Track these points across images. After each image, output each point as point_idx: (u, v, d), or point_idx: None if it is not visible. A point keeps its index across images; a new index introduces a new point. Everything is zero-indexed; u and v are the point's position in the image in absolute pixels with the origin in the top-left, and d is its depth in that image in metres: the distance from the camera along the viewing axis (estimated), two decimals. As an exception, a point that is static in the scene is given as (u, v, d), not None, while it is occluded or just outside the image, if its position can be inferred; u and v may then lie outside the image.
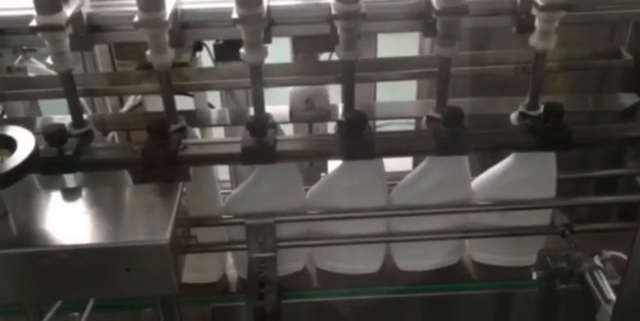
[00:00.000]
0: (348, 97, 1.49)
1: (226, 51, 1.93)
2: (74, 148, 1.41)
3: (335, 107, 1.59)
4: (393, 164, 1.67)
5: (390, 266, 1.72)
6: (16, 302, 1.39)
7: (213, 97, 2.36)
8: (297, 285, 1.69)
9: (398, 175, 1.64)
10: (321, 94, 1.59)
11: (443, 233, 1.63)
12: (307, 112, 1.60)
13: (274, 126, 1.48)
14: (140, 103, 2.28)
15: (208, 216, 1.57)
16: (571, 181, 1.69)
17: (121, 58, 2.15)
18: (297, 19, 1.45)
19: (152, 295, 1.31)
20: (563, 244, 1.56)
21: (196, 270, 1.60)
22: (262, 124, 1.43)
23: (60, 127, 1.40)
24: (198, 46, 2.15)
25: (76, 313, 1.44)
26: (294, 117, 1.60)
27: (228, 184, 2.19)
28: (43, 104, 1.81)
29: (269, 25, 1.40)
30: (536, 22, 1.39)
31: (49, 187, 1.48)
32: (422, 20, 1.45)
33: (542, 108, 1.48)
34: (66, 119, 1.51)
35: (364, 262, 1.70)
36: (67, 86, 1.43)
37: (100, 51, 2.12)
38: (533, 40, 1.42)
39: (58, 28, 1.31)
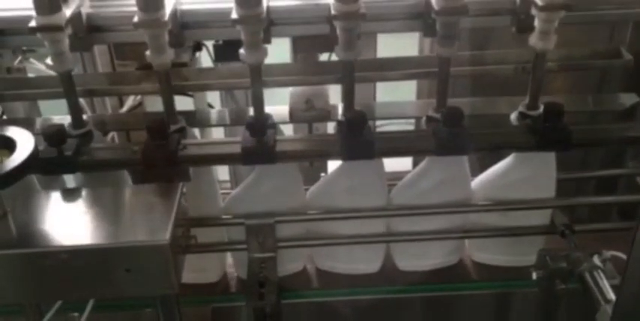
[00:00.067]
0: (347, 97, 1.49)
1: (226, 51, 1.92)
2: (74, 148, 1.41)
3: (335, 107, 1.59)
4: (393, 164, 1.67)
5: (390, 266, 1.71)
6: (16, 302, 1.38)
7: (213, 97, 2.36)
8: (297, 285, 1.69)
9: (398, 175, 1.64)
10: (321, 94, 1.59)
11: (443, 233, 1.63)
12: (307, 113, 1.59)
13: (274, 126, 1.48)
14: (140, 104, 2.28)
15: (208, 216, 1.57)
16: (571, 181, 1.69)
17: (120, 58, 2.15)
18: (296, 19, 1.45)
19: (152, 295, 1.31)
20: (563, 244, 1.56)
21: (196, 270, 1.60)
22: (262, 125, 1.43)
23: (59, 128, 1.40)
24: (198, 47, 2.15)
25: (76, 313, 1.44)
26: (294, 117, 1.60)
27: (228, 184, 2.19)
28: (43, 105, 1.81)
29: (268, 25, 1.40)
30: (536, 22, 1.39)
31: (49, 187, 1.48)
32: (421, 20, 1.45)
33: (542, 108, 1.48)
34: (65, 120, 1.51)
35: (364, 262, 1.70)
36: (66, 87, 1.43)
37: (100, 51, 2.12)
38: (533, 40, 1.42)
39: (58, 28, 1.31)
